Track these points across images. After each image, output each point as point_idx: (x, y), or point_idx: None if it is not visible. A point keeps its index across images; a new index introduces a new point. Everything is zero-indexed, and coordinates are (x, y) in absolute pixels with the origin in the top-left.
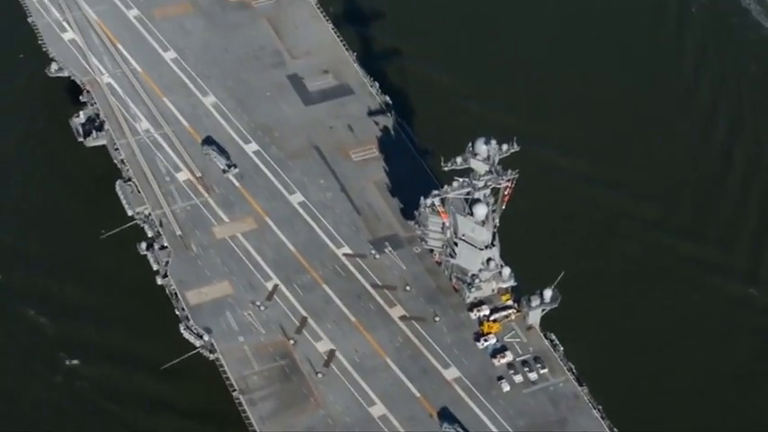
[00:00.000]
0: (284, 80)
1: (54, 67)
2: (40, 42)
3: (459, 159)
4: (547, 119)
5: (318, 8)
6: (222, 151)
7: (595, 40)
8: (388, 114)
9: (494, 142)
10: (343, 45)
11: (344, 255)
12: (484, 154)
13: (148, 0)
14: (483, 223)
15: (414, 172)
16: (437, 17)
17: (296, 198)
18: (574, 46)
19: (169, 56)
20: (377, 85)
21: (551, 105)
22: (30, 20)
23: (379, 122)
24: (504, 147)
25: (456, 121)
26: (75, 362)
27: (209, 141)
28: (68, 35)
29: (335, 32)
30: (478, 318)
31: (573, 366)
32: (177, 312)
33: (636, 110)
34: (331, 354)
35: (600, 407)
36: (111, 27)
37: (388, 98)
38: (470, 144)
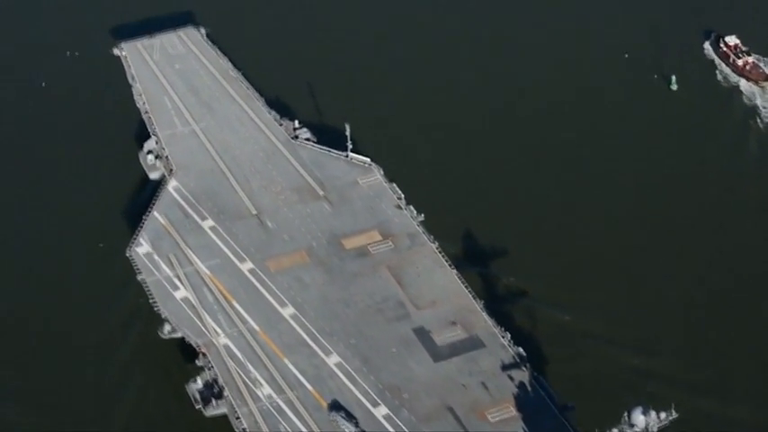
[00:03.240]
0: (410, 334)
1: (167, 328)
2: (151, 302)
3: (615, 431)
4: (700, 364)
5: (439, 252)
6: (350, 417)
7: None
8: (523, 368)
9: (653, 413)
10: (470, 292)
11: None
12: (641, 425)
13: (262, 251)
14: None
15: None
16: (560, 250)
17: None
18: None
19: (287, 312)
20: (508, 335)
21: (703, 346)
22: (139, 278)
23: (514, 377)
24: (663, 415)
25: (592, 368)
26: None
27: (335, 406)
28: (180, 293)
29: (460, 279)
30: None
31: None
32: None
33: None
34: None
35: None
36: (225, 282)
37: (521, 349)
38: (626, 414)
